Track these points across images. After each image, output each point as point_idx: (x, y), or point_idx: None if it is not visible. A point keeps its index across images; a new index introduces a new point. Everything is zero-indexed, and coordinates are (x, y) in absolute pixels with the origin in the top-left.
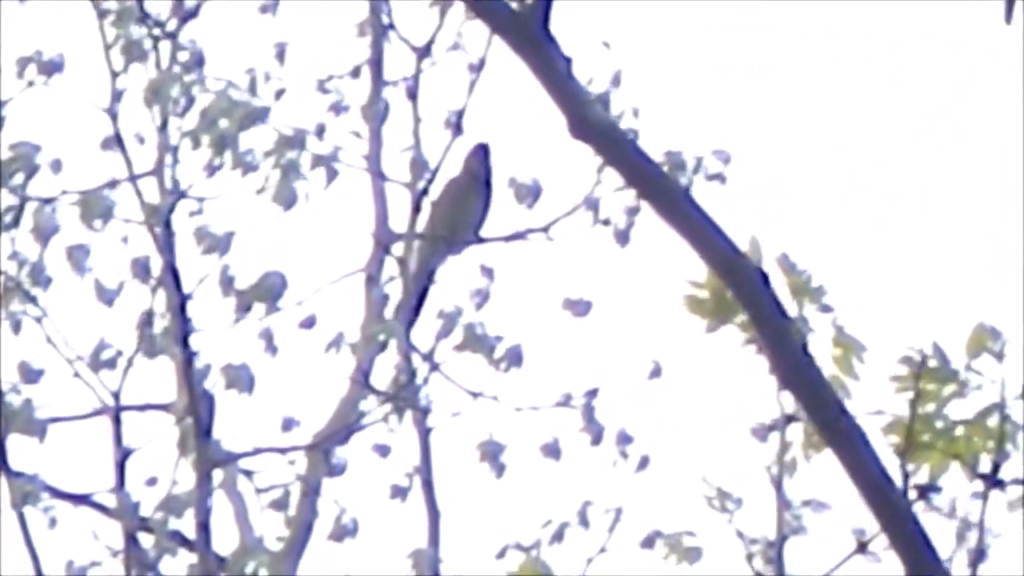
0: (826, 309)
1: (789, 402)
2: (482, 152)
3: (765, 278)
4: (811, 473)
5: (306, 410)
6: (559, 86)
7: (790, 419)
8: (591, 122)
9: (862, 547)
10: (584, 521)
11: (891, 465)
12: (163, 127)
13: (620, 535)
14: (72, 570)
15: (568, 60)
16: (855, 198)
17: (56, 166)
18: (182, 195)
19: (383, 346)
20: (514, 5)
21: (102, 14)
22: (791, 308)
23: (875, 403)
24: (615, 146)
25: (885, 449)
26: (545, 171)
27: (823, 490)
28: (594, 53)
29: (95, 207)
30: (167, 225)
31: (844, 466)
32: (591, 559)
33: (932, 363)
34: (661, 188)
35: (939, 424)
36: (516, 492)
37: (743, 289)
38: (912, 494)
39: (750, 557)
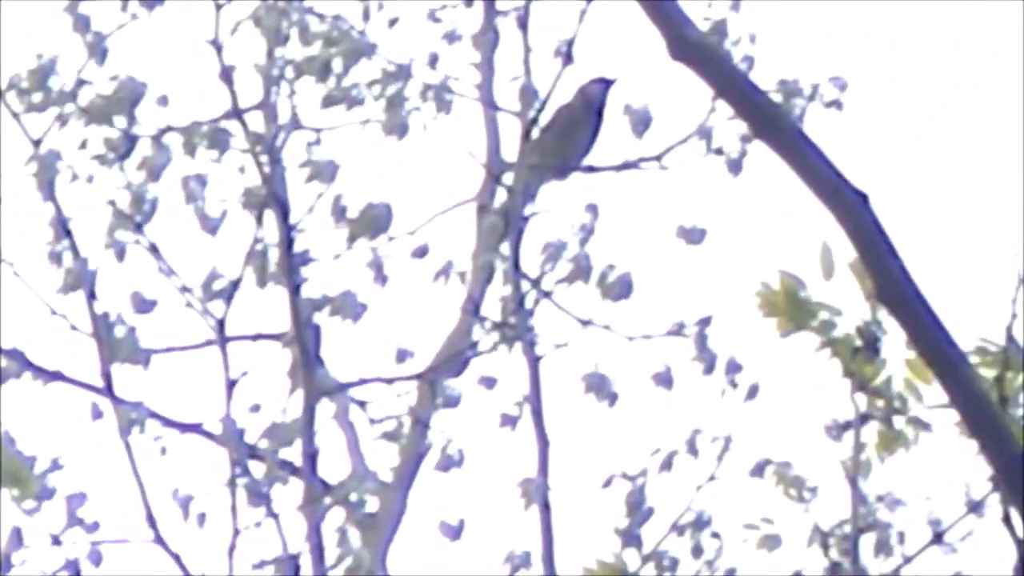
0: None
1: (862, 401)
2: (603, 85)
3: (867, 202)
4: (888, 469)
5: (417, 340)
6: (657, 5)
7: (865, 418)
8: (689, 42)
9: (938, 538)
10: (693, 450)
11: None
12: (269, 58)
13: (729, 464)
14: (177, 498)
15: None
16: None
17: (163, 100)
18: (294, 127)
19: (492, 276)
20: None
21: None
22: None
23: None
24: (713, 66)
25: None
26: (657, 100)
27: (900, 484)
28: None
29: (201, 139)
30: (273, 155)
31: (954, 403)
32: (700, 487)
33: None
34: (759, 107)
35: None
36: (627, 421)
37: (845, 215)
38: None
39: (826, 548)
